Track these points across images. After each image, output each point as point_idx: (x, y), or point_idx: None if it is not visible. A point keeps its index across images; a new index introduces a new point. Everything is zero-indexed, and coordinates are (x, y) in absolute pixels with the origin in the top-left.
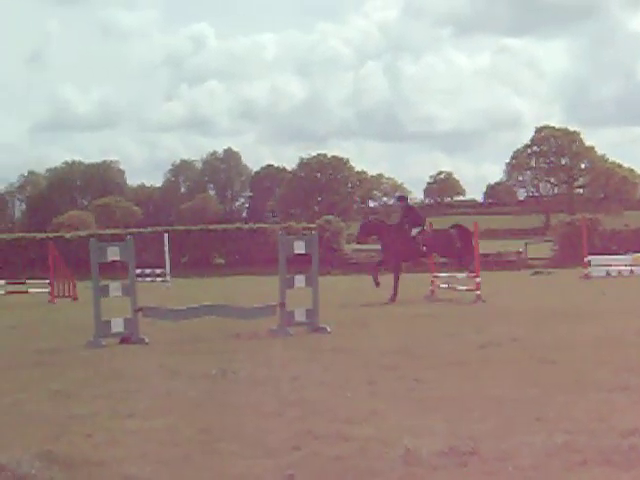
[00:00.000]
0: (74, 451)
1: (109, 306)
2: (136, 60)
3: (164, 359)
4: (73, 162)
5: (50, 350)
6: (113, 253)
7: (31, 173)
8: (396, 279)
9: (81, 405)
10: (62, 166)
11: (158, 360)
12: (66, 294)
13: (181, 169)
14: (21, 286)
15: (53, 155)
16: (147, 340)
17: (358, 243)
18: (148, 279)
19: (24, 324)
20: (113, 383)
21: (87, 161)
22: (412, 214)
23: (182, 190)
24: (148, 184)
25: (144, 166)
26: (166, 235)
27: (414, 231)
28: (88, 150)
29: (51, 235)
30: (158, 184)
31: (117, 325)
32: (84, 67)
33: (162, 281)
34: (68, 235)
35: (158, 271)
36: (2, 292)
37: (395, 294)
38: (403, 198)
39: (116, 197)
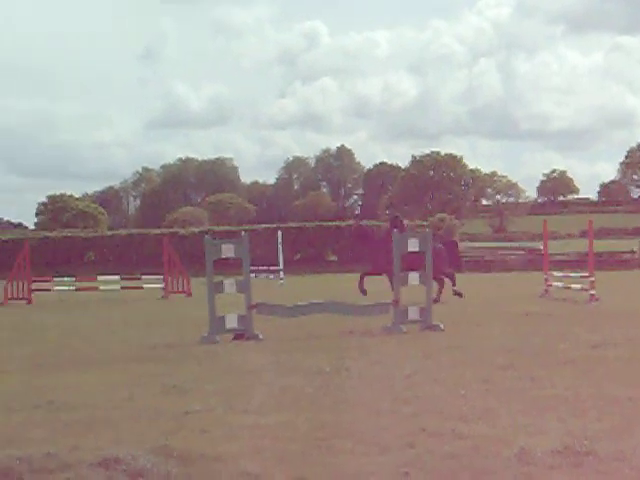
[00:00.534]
0: (190, 446)
1: (223, 302)
2: (250, 57)
3: (278, 355)
4: (187, 159)
5: (165, 345)
6: (228, 250)
7: (145, 170)
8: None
9: (196, 400)
10: (176, 163)
11: (272, 356)
12: (180, 290)
13: (294, 166)
14: (136, 281)
15: (167, 152)
16: (261, 336)
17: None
18: (262, 276)
19: (139, 319)
20: (228, 379)
21: (201, 158)
22: (399, 226)
23: (295, 187)
24: (261, 181)
25: (257, 163)
26: (279, 232)
27: None
28: (202, 147)
29: (165, 231)
30: (271, 181)
31: (231, 321)
32: (198, 64)
33: (275, 278)
34: (182, 231)
35: (272, 268)
36: (117, 287)
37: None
38: (394, 207)
39: (229, 194)
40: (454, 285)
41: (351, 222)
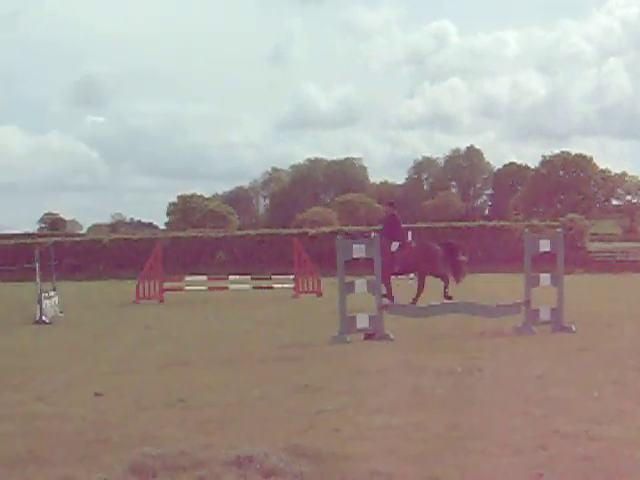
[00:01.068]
0: (321, 445)
1: (354, 302)
2: (378, 58)
3: (409, 355)
4: (315, 159)
5: (296, 345)
6: (359, 250)
7: (275, 170)
8: (387, 288)
9: (327, 400)
10: (305, 163)
11: (403, 356)
12: (310, 290)
13: (423, 166)
14: (266, 281)
15: (296, 152)
16: (392, 336)
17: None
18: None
19: (269, 319)
20: (359, 378)
21: (329, 158)
22: (392, 226)
23: (424, 187)
24: (390, 181)
25: (386, 163)
26: (409, 232)
27: (394, 245)
28: (330, 147)
29: (295, 231)
30: (400, 181)
31: (362, 321)
32: (326, 65)
33: (405, 278)
34: (312, 231)
35: None
36: (248, 287)
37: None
38: (391, 204)
39: (359, 194)
40: (446, 287)
41: (481, 222)
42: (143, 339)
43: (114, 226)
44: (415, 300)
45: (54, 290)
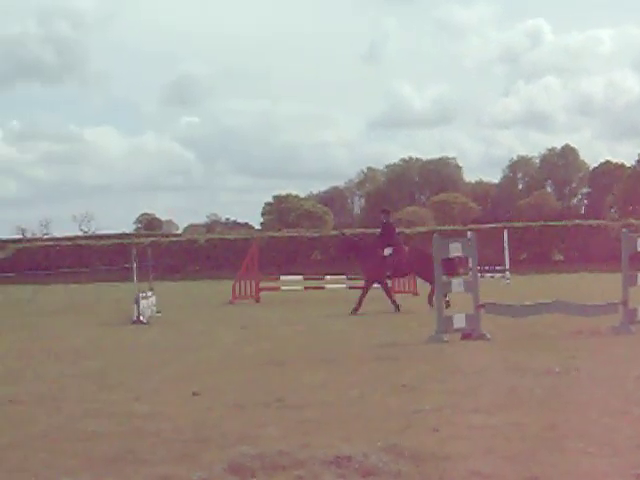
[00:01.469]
0: (419, 445)
1: (451, 302)
2: (472, 57)
3: (506, 355)
4: (410, 158)
5: (392, 344)
6: (455, 249)
7: (370, 169)
8: (363, 293)
9: (425, 399)
10: (400, 162)
11: (500, 356)
12: (406, 289)
13: (519, 165)
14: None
15: (390, 151)
16: (488, 336)
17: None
18: (487, 275)
19: (366, 319)
20: (456, 378)
21: (424, 157)
22: (387, 232)
23: (519, 186)
24: (485, 180)
25: (481, 162)
26: (505, 231)
27: (387, 251)
28: (425, 146)
29: None
30: (495, 180)
31: (459, 321)
32: (419, 64)
33: (502, 277)
34: (408, 230)
35: (497, 267)
36: (343, 287)
37: (358, 306)
38: (386, 212)
39: (453, 193)
40: (432, 294)
41: (577, 221)
42: (240, 338)
43: (210, 226)
44: (430, 300)
45: (151, 290)
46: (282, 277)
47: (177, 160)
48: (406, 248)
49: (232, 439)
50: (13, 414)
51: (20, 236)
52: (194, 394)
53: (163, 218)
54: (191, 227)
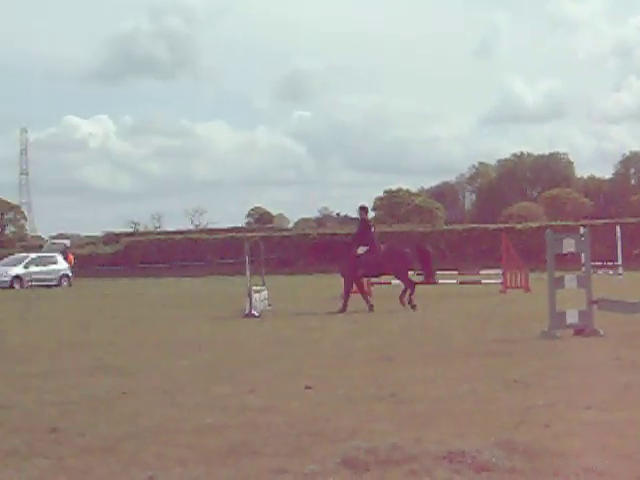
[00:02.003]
0: (533, 441)
1: (563, 297)
2: (584, 51)
3: (619, 351)
4: (521, 154)
5: (504, 340)
6: (569, 245)
7: (481, 164)
8: (346, 293)
9: (538, 395)
10: (511, 158)
11: (613, 352)
12: (518, 285)
13: (631, 161)
14: (474, 276)
15: (502, 146)
16: (601, 332)
17: (310, 262)
18: (600, 271)
19: (477, 314)
20: (569, 374)
21: (535, 152)
22: (362, 230)
23: (632, 182)
24: (597, 175)
25: (592, 158)
26: (618, 227)
27: (360, 249)
28: (537, 142)
29: (502, 226)
30: (607, 175)
31: (571, 317)
32: (532, 58)
33: (614, 273)
34: (519, 226)
35: (610, 263)
36: (454, 282)
37: (344, 306)
38: (363, 209)
39: (565, 189)
40: (412, 294)
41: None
42: (351, 332)
43: (321, 220)
44: (407, 299)
45: (263, 284)
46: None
47: (289, 154)
48: (382, 246)
49: (345, 433)
50: (127, 406)
51: (133, 230)
52: (306, 388)
53: (274, 212)
54: (302, 221)
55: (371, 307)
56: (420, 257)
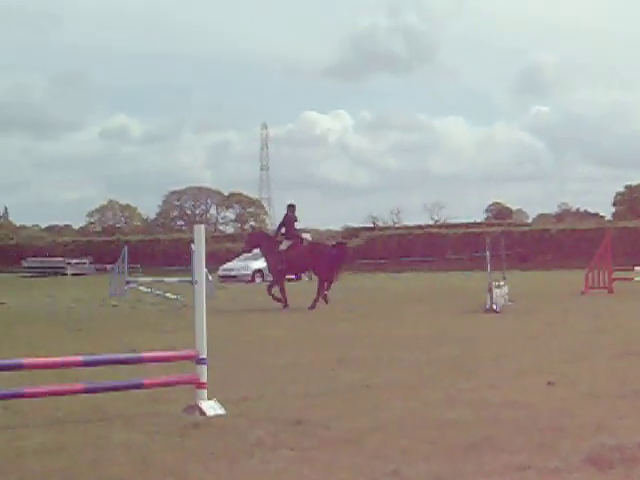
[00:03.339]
0: None
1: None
2: None
3: None
4: None
5: None
6: None
7: None
8: (281, 290)
9: None
10: None
11: None
12: (601, 285)
13: None
14: None
15: None
16: None
17: (244, 252)
18: None
19: None
20: None
21: None
22: (287, 226)
23: None
24: None
25: None
26: None
27: (284, 244)
28: None
29: None
30: None
31: None
32: None
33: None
34: None
35: None
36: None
37: (285, 302)
38: (291, 207)
39: None
40: (326, 289)
41: None
42: (593, 328)
43: (560, 216)
44: (315, 302)
45: (504, 279)
46: (636, 268)
47: (527, 150)
48: (305, 243)
49: (589, 430)
50: (369, 399)
51: (372, 225)
52: (549, 383)
53: (513, 207)
54: (541, 217)
55: (285, 304)
56: (339, 256)
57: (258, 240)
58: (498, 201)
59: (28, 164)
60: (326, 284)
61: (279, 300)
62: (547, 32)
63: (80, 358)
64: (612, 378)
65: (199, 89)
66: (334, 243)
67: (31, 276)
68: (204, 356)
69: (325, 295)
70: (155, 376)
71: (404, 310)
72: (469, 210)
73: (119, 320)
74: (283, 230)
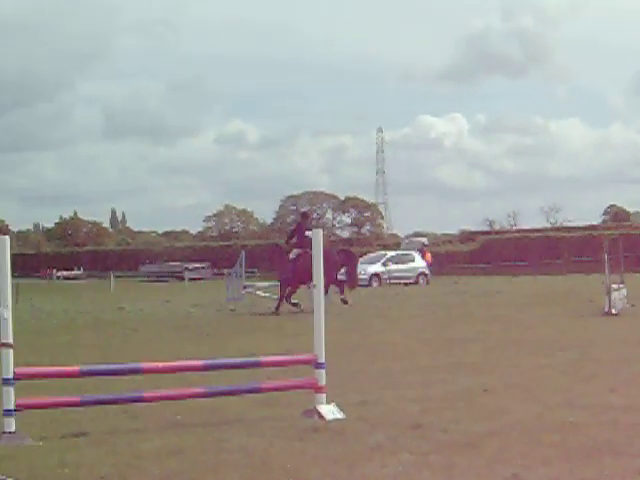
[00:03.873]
0: None
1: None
2: None
3: None
4: None
5: None
6: None
7: None
8: (280, 297)
9: None
10: None
11: None
12: None
13: None
14: None
15: None
16: None
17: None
18: None
19: None
20: None
21: None
22: (298, 234)
23: None
24: None
25: None
26: None
27: (293, 253)
28: None
29: None
30: None
31: None
32: None
33: None
34: None
35: None
36: None
37: (277, 307)
38: (304, 215)
39: None
40: (342, 293)
41: None
42: None
43: None
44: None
45: (622, 282)
46: None
47: None
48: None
49: None
50: (488, 403)
51: (488, 228)
52: None
53: (631, 210)
54: None
55: (277, 310)
56: (346, 262)
57: (272, 253)
58: (615, 204)
59: (145, 170)
60: (339, 288)
61: (295, 305)
62: None
63: (200, 362)
64: None
65: (314, 94)
66: (339, 249)
67: (149, 281)
68: (322, 360)
69: (342, 298)
70: (273, 380)
71: (521, 313)
72: (585, 213)
73: (237, 324)
74: (295, 239)
